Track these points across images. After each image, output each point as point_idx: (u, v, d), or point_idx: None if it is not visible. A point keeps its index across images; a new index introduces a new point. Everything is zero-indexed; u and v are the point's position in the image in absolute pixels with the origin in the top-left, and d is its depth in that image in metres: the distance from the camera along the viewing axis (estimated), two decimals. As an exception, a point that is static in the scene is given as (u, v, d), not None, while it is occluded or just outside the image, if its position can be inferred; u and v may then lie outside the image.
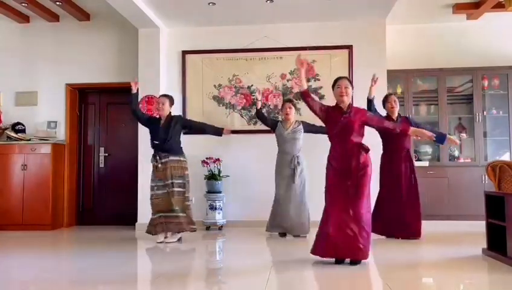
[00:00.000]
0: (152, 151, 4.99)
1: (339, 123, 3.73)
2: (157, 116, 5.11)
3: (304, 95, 3.88)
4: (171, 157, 4.90)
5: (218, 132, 5.21)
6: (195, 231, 4.99)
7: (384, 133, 4.94)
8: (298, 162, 5.10)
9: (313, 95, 4.07)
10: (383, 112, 5.08)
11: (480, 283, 3.32)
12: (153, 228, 4.89)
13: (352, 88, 3.85)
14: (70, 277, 3.59)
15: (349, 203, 3.61)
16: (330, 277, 3.39)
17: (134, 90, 5.07)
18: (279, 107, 6.00)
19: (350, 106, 3.79)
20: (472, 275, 3.48)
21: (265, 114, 5.70)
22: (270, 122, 5.39)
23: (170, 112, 5.09)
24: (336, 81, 3.87)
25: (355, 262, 3.62)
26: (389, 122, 3.89)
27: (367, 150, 3.71)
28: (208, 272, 3.85)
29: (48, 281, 3.35)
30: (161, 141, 4.92)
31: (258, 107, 5.39)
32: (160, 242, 4.84)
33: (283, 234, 5.16)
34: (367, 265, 3.65)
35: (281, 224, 5.11)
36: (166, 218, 4.84)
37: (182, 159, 4.99)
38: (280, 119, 5.45)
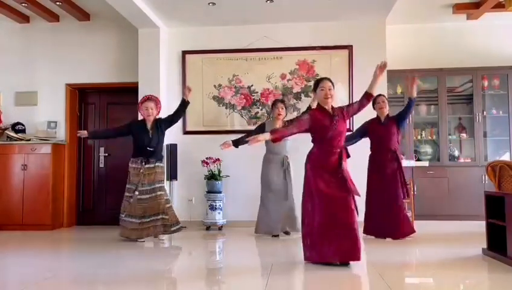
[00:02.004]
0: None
1: (330, 127, 3.67)
2: (140, 119, 5.13)
3: (277, 140, 3.73)
4: (157, 164, 5.01)
5: (183, 104, 5.16)
6: (183, 228, 5.09)
7: (371, 134, 5.02)
8: (288, 162, 5.15)
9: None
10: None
11: (480, 283, 3.32)
12: (138, 233, 4.90)
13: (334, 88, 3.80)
14: (70, 276, 3.59)
15: (345, 204, 3.62)
16: (330, 277, 3.39)
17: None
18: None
19: (333, 108, 3.75)
20: (472, 275, 3.48)
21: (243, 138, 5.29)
22: (258, 132, 5.26)
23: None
24: (318, 82, 3.79)
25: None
26: (358, 102, 3.82)
27: (348, 154, 3.76)
28: (208, 272, 3.85)
29: (48, 281, 3.35)
30: (151, 146, 4.97)
31: (235, 147, 5.21)
32: (143, 241, 4.95)
33: (277, 235, 5.15)
34: (366, 265, 3.65)
35: (276, 224, 5.13)
36: (154, 221, 4.91)
37: (162, 164, 5.12)
38: (270, 119, 5.42)
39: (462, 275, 3.44)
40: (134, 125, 5.12)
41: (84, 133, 5.16)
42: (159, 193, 4.92)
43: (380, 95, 5.07)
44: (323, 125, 3.67)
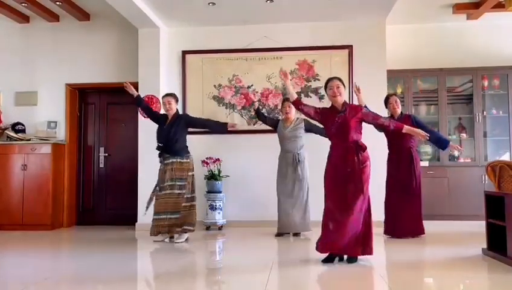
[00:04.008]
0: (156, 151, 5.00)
1: (335, 123, 3.75)
2: (163, 114, 5.10)
3: (296, 104, 3.96)
4: (172, 159, 4.89)
5: (222, 128, 5.11)
6: (190, 231, 4.94)
7: (387, 132, 4.96)
8: (299, 160, 5.11)
9: (304, 101, 4.18)
10: (383, 113, 5.08)
11: (480, 283, 3.32)
12: (154, 229, 4.86)
13: (345, 87, 3.88)
14: (70, 276, 3.59)
15: (347, 200, 3.63)
16: (330, 277, 3.39)
17: (135, 92, 5.15)
18: (279, 107, 6.00)
19: (345, 104, 3.82)
20: (472, 275, 3.48)
21: (265, 114, 5.71)
22: (270, 122, 5.42)
23: (177, 110, 5.11)
24: (327, 82, 3.88)
25: (351, 259, 3.67)
26: (384, 119, 3.89)
27: (364, 148, 3.73)
28: (208, 271, 3.86)
29: (48, 281, 3.34)
30: (164, 143, 4.93)
31: (255, 108, 5.50)
32: (162, 241, 4.88)
33: (289, 234, 5.17)
34: (366, 265, 3.65)
35: (287, 224, 5.12)
36: (170, 220, 4.85)
37: (184, 160, 4.93)
38: (281, 118, 5.44)
39: (462, 275, 3.44)
40: (162, 118, 5.10)
41: (133, 90, 5.14)
42: (174, 191, 4.84)
43: (393, 94, 5.12)
44: (327, 121, 3.81)
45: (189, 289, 3.25)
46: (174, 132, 4.91)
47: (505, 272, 3.40)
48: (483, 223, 4.09)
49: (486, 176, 5.19)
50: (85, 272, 3.66)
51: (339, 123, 3.73)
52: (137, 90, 5.98)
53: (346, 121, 3.72)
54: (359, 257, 3.71)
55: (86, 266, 3.84)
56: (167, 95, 5.11)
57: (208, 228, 5.78)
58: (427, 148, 6.53)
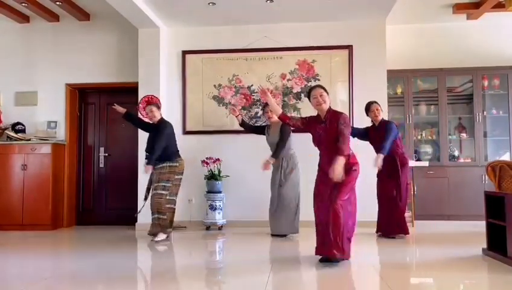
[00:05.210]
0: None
1: (317, 134, 3.75)
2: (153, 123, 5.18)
3: (282, 119, 3.92)
4: (163, 164, 4.98)
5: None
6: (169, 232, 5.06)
7: (370, 141, 5.06)
8: (282, 165, 5.12)
9: (290, 114, 4.13)
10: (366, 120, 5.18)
11: (480, 283, 3.32)
12: (151, 228, 5.06)
13: (328, 93, 3.80)
14: (70, 276, 3.59)
15: (330, 203, 3.61)
16: (330, 277, 3.39)
17: (123, 110, 5.28)
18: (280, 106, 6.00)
19: (329, 111, 3.75)
20: (472, 275, 3.48)
21: (253, 124, 5.76)
22: (256, 130, 5.52)
23: (161, 118, 5.16)
24: (309, 92, 3.84)
25: (329, 260, 3.62)
26: (342, 139, 3.59)
27: (347, 158, 3.64)
28: (208, 272, 3.85)
29: (48, 281, 3.35)
30: (148, 151, 5.02)
31: (239, 122, 5.49)
32: (161, 240, 4.98)
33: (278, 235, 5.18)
34: (366, 265, 3.65)
35: (271, 226, 5.18)
36: (159, 220, 4.98)
37: (174, 164, 5.00)
38: (268, 124, 5.42)
39: (462, 275, 3.44)
40: (150, 127, 5.22)
41: (121, 109, 5.28)
42: (157, 191, 4.92)
43: (374, 102, 5.06)
44: (311, 131, 3.81)
45: (189, 289, 3.25)
46: (155, 140, 4.95)
47: (505, 272, 3.40)
48: (483, 223, 4.09)
49: (486, 176, 5.19)
50: (85, 272, 3.66)
51: (319, 134, 3.73)
52: (137, 90, 6.03)
53: (327, 132, 3.69)
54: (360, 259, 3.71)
55: (86, 266, 3.85)
56: (148, 105, 5.20)
57: (208, 228, 5.77)
58: (427, 148, 6.53)
